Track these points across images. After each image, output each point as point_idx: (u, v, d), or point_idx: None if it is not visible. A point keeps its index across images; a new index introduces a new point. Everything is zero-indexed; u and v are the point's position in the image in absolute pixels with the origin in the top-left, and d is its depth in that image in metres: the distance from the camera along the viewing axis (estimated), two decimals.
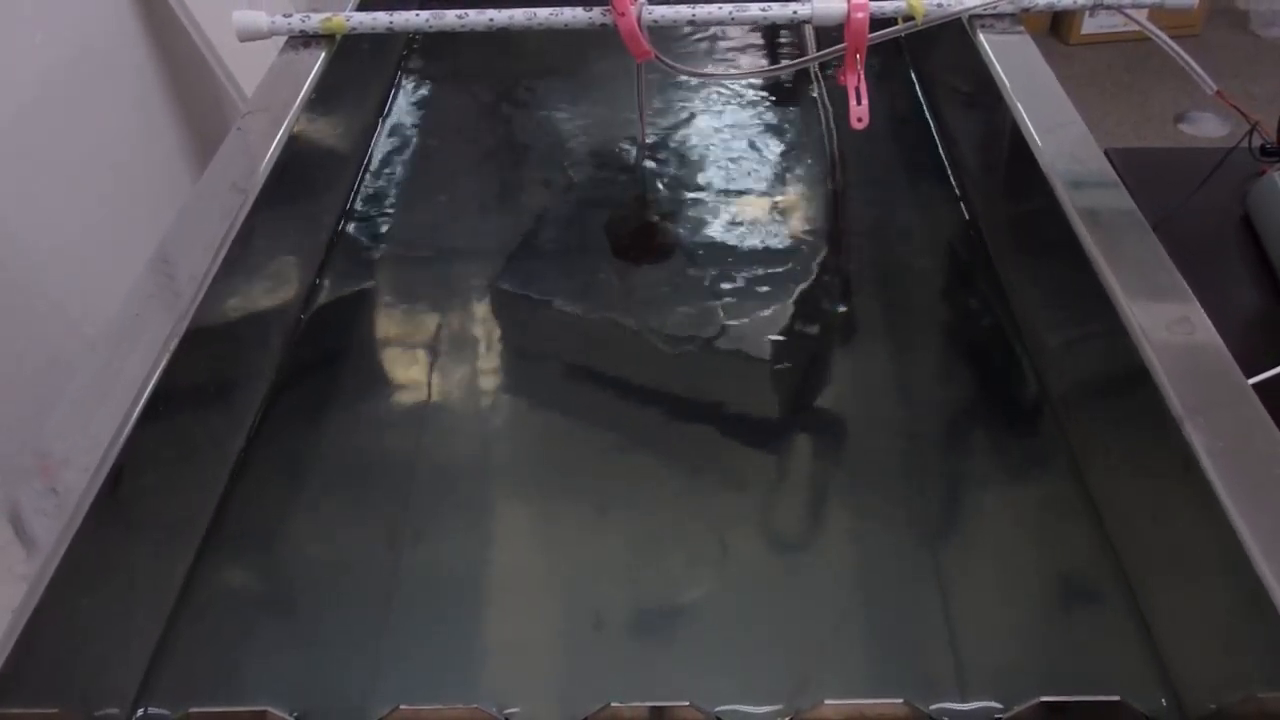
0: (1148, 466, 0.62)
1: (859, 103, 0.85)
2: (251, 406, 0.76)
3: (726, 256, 0.90)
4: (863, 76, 0.85)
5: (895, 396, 0.77)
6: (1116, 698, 0.54)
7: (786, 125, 1.08)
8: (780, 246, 0.91)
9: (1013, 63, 0.89)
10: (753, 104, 1.11)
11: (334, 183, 0.97)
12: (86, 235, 1.29)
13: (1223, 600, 0.53)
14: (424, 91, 1.16)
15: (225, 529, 0.68)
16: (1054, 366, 0.75)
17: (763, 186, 0.99)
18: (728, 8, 0.90)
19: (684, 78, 1.11)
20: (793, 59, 0.96)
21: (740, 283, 0.87)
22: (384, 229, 0.95)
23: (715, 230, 0.93)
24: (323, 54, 0.93)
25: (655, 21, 0.88)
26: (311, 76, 0.90)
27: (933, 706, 0.55)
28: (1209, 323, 0.62)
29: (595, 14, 0.89)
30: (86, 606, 0.55)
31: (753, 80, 1.15)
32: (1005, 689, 0.56)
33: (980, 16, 0.94)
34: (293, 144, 0.84)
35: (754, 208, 0.96)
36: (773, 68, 1.17)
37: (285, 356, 0.80)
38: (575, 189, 1.00)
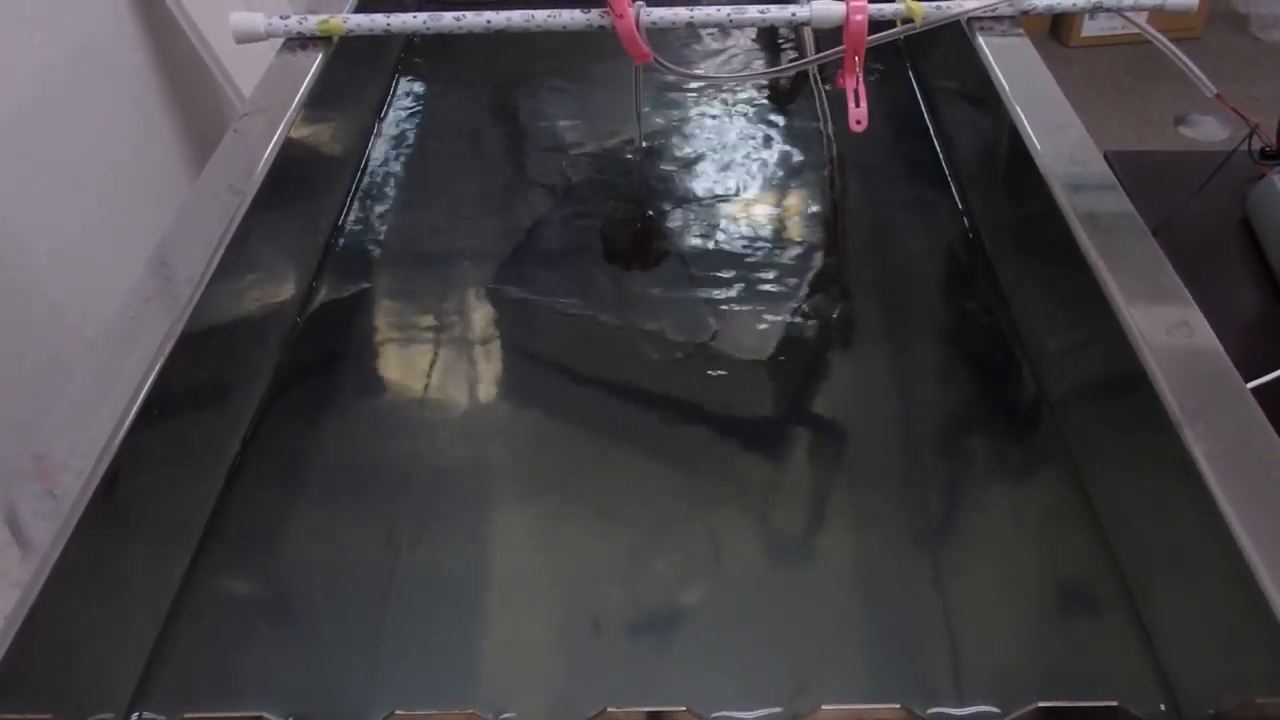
0: (1146, 470, 0.62)
1: (858, 105, 0.85)
2: (249, 408, 0.75)
3: (724, 259, 0.90)
4: (861, 79, 0.85)
5: (894, 399, 0.77)
6: (1115, 703, 0.54)
7: (785, 128, 1.07)
8: (778, 249, 0.91)
9: (1012, 65, 0.89)
10: (751, 107, 1.11)
11: (331, 184, 0.97)
12: (86, 236, 1.29)
13: (1221, 604, 0.53)
14: (421, 93, 1.16)
15: (222, 531, 0.68)
16: (1053, 369, 0.75)
17: (761, 189, 0.99)
18: (726, 10, 0.90)
19: (682, 80, 1.11)
20: (791, 61, 0.96)
21: (739, 285, 0.87)
22: (381, 230, 0.95)
23: (713, 232, 0.93)
24: (320, 56, 0.93)
25: (654, 23, 0.88)
26: (309, 78, 0.90)
27: (930, 711, 0.55)
28: (1208, 326, 0.62)
29: (593, 15, 0.89)
30: (82, 610, 0.55)
31: (751, 83, 1.14)
32: (1004, 692, 0.56)
33: (979, 19, 0.93)
34: (290, 145, 0.84)
35: (752, 210, 0.96)
36: (771, 70, 1.17)
37: (283, 358, 0.80)
38: (573, 191, 1.00)
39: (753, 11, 0.90)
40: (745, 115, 1.09)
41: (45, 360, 1.20)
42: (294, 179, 0.85)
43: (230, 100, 1.54)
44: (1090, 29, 2.80)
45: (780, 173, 1.01)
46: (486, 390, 0.80)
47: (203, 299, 0.68)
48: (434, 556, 0.66)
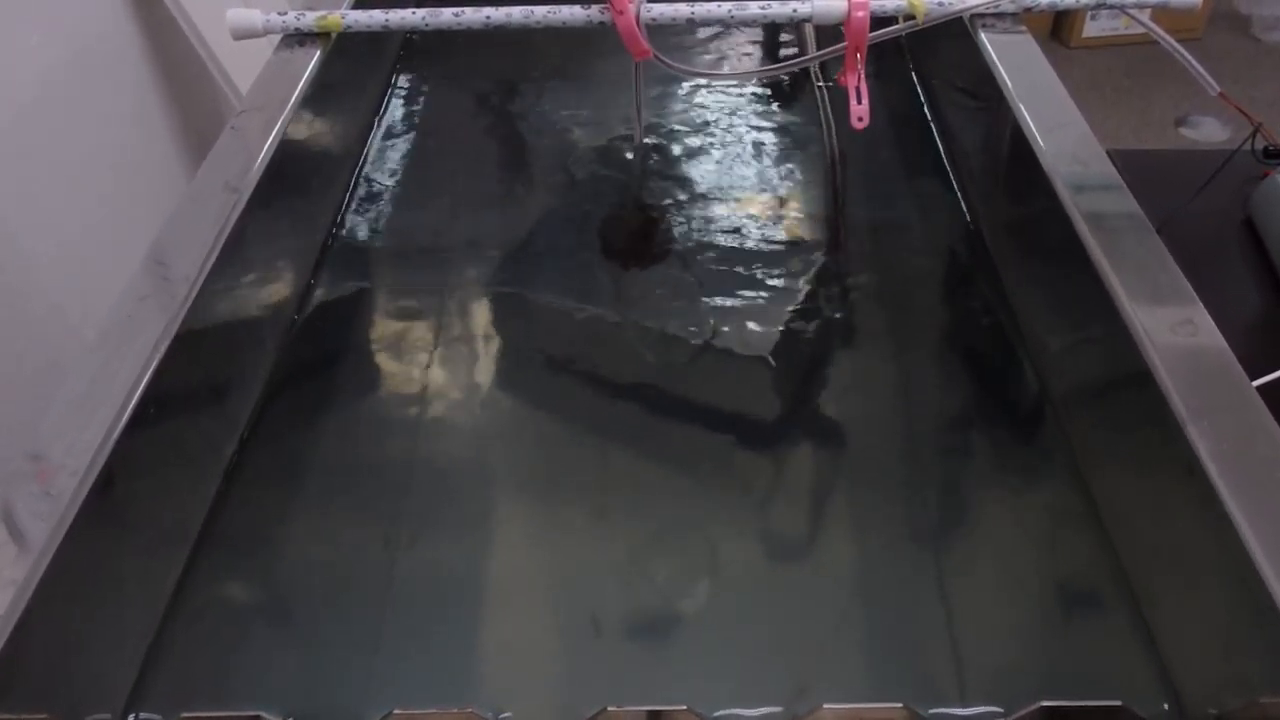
0: (1150, 469, 0.61)
1: (859, 102, 0.85)
2: (246, 407, 0.75)
3: (725, 257, 0.89)
4: (863, 76, 0.85)
5: (895, 398, 0.77)
6: (1118, 702, 0.53)
7: (786, 125, 1.07)
8: (779, 247, 0.90)
9: (1014, 62, 0.88)
10: (752, 103, 1.10)
11: (329, 182, 0.97)
12: (84, 236, 1.29)
13: (1225, 603, 0.53)
14: (420, 90, 1.15)
15: (219, 531, 0.67)
16: (1055, 368, 0.75)
17: (761, 187, 0.98)
18: (727, 6, 0.89)
19: (682, 77, 1.11)
20: (792, 58, 0.95)
21: (739, 283, 0.86)
22: (380, 228, 0.95)
23: (713, 230, 0.92)
24: (318, 52, 0.93)
25: (654, 20, 0.87)
26: (306, 75, 0.89)
27: (932, 711, 0.55)
28: (1212, 324, 0.61)
29: (593, 12, 0.89)
30: (78, 610, 0.55)
31: (752, 80, 1.14)
32: (1006, 692, 0.56)
33: (981, 16, 0.93)
34: (287, 143, 0.84)
35: (753, 208, 0.95)
36: (772, 67, 1.16)
37: (280, 357, 0.80)
38: (572, 189, 1.00)
39: (754, 8, 0.89)
40: (746, 113, 1.09)
41: (46, 361, 1.19)
42: (292, 176, 0.84)
43: (229, 99, 1.54)
44: (1091, 30, 2.80)
45: (781, 170, 1.01)
46: (485, 389, 0.79)
47: (199, 298, 0.68)
48: (432, 556, 0.66)
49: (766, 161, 1.02)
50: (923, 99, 1.09)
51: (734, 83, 1.14)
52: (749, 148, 1.04)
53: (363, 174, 1.01)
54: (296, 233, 0.88)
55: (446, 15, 0.91)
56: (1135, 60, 2.72)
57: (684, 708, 0.53)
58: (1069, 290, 0.72)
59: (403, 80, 1.16)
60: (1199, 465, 0.53)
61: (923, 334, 0.83)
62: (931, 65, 1.11)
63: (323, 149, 0.96)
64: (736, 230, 0.92)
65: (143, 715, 0.57)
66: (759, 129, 1.06)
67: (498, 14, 0.90)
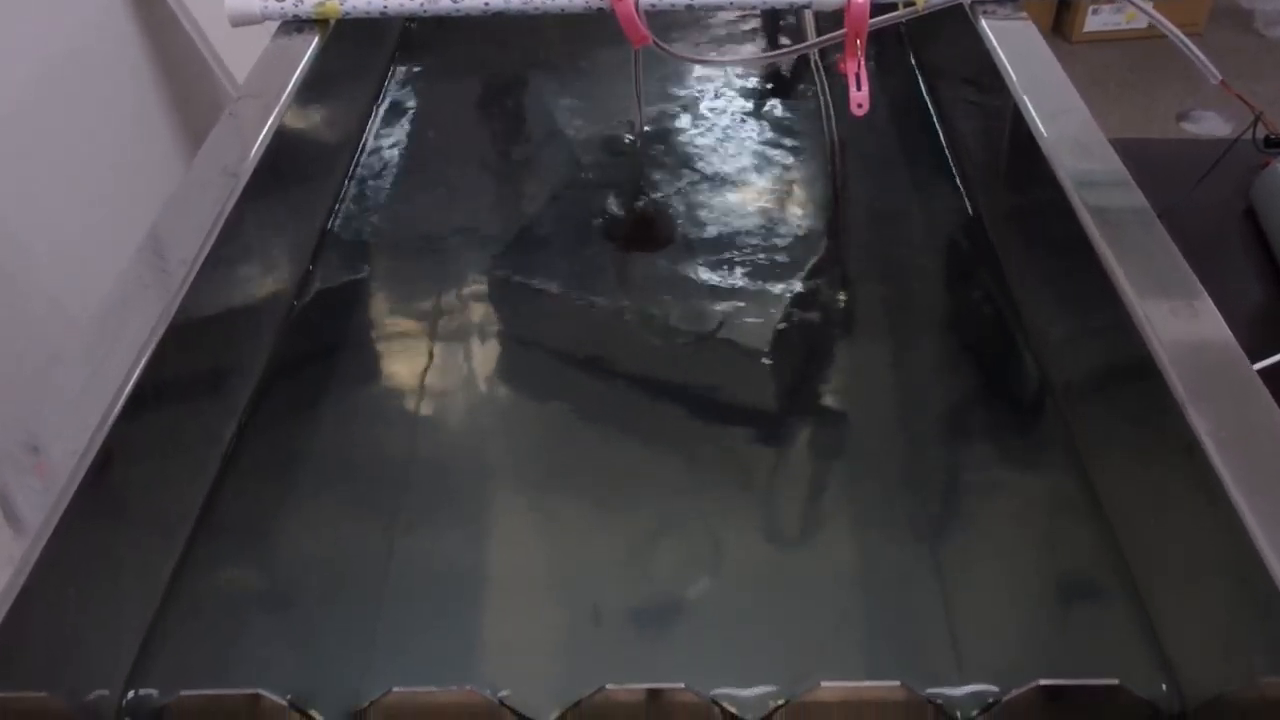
0: (1152, 454, 0.61)
1: (859, 89, 0.84)
2: (243, 396, 0.75)
3: (725, 246, 0.89)
4: (863, 62, 0.84)
5: (896, 387, 0.76)
6: (1115, 681, 0.53)
7: (786, 112, 1.07)
8: (780, 236, 0.90)
9: (1015, 49, 0.88)
10: (751, 91, 1.10)
11: (328, 169, 0.96)
12: (84, 231, 1.28)
13: (1225, 586, 0.53)
14: (420, 77, 1.15)
15: (216, 521, 0.67)
16: (1057, 356, 0.74)
17: (762, 175, 0.98)
18: None
19: (681, 64, 1.11)
20: (792, 45, 0.95)
21: (739, 273, 0.86)
22: (379, 216, 0.94)
23: (713, 219, 0.92)
24: (316, 39, 0.92)
25: (653, 5, 0.87)
26: (304, 62, 0.89)
27: (928, 690, 0.54)
28: (1214, 309, 0.61)
29: None
30: (76, 589, 0.54)
31: (751, 66, 1.14)
32: (1006, 682, 0.55)
33: (982, 2, 0.93)
34: (285, 130, 0.83)
35: (753, 196, 0.95)
36: (772, 53, 1.16)
37: (278, 345, 0.79)
38: (573, 177, 0.99)
39: None
40: (746, 100, 1.08)
41: (45, 356, 1.19)
42: (290, 163, 0.84)
43: (229, 94, 1.54)
44: (1093, 24, 2.79)
45: (781, 158, 1.00)
46: (486, 379, 0.79)
47: (196, 285, 0.67)
48: (431, 547, 0.65)
49: (766, 149, 1.01)
50: (923, 86, 1.09)
51: (734, 69, 1.13)
52: (749, 136, 1.03)
53: (362, 161, 1.01)
54: (295, 220, 0.88)
55: (445, 1, 0.91)
56: (1137, 55, 2.72)
57: (681, 685, 0.52)
58: (1070, 278, 0.72)
59: (402, 67, 1.16)
60: (1200, 449, 0.53)
61: (925, 322, 0.82)
62: (932, 52, 1.10)
63: (322, 136, 0.96)
64: (736, 219, 0.92)
65: (142, 693, 0.56)
66: (759, 117, 1.06)
67: (497, 0, 0.90)
